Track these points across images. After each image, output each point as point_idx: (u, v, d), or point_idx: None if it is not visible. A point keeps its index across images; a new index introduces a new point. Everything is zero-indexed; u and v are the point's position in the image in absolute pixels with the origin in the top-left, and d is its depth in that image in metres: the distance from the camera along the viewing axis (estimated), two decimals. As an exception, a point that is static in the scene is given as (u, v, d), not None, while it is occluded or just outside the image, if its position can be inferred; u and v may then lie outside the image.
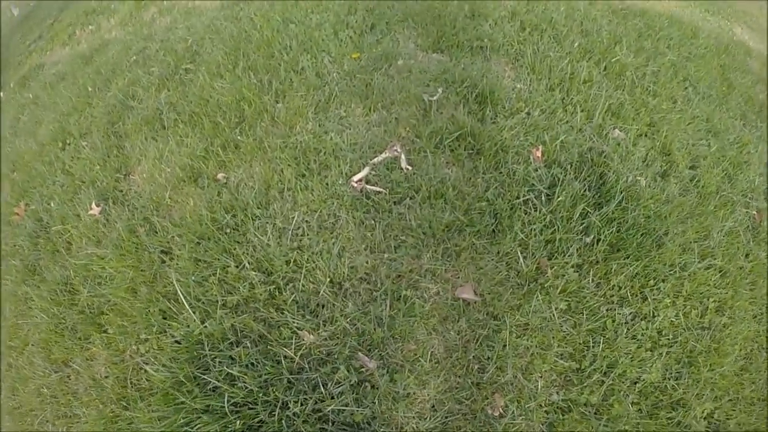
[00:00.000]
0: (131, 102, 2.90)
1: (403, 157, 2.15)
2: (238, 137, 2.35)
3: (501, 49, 2.92)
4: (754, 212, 2.57)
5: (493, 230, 1.99)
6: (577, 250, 1.94)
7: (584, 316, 1.78)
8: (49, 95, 3.80)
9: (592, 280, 1.90)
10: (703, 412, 1.72)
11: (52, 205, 2.48)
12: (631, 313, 1.86)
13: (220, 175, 2.24)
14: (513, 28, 3.15)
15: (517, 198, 2.07)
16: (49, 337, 1.99)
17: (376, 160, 2.15)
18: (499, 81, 2.64)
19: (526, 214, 2.03)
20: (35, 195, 2.65)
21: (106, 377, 1.80)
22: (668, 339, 1.84)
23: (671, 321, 1.89)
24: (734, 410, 1.77)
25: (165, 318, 1.80)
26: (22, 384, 1.96)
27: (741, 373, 1.86)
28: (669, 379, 1.73)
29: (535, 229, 1.97)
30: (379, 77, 2.65)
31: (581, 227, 2.02)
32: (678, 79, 3.34)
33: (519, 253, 1.90)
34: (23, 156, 3.07)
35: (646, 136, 2.67)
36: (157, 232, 2.09)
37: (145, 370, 1.71)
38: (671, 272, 2.01)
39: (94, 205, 2.34)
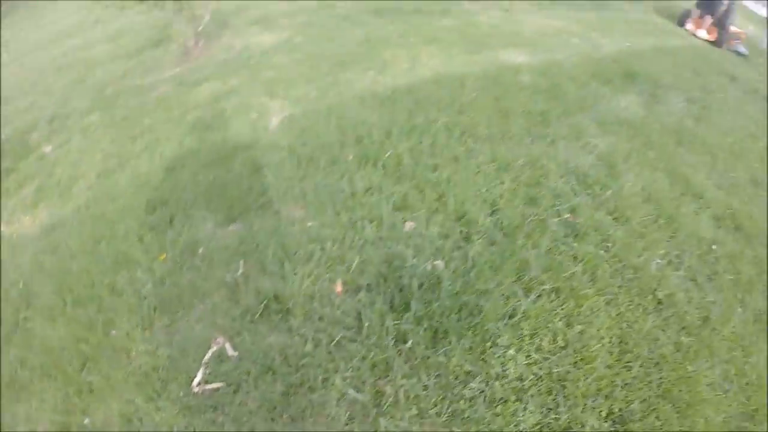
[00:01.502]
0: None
1: (227, 345, 2.36)
2: (89, 379, 2.41)
3: (287, 195, 3.12)
4: (567, 215, 2.86)
5: (323, 380, 2.13)
6: (404, 361, 2.13)
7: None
8: None
9: (433, 379, 2.09)
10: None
11: None
12: (481, 382, 2.08)
13: (86, 421, 2.32)
14: (292, 165, 3.36)
15: (332, 342, 2.26)
16: None
17: (206, 358, 2.31)
18: (292, 229, 2.84)
19: (344, 354, 2.20)
20: None
21: None
22: (532, 379, 2.09)
23: (525, 363, 2.12)
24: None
25: None
26: None
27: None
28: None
29: (355, 365, 2.16)
30: (186, 273, 2.75)
31: (396, 337, 2.22)
32: (454, 137, 3.56)
33: (354, 392, 2.09)
34: None
35: (438, 211, 2.87)
36: None
37: None
38: (505, 322, 2.24)
39: None
